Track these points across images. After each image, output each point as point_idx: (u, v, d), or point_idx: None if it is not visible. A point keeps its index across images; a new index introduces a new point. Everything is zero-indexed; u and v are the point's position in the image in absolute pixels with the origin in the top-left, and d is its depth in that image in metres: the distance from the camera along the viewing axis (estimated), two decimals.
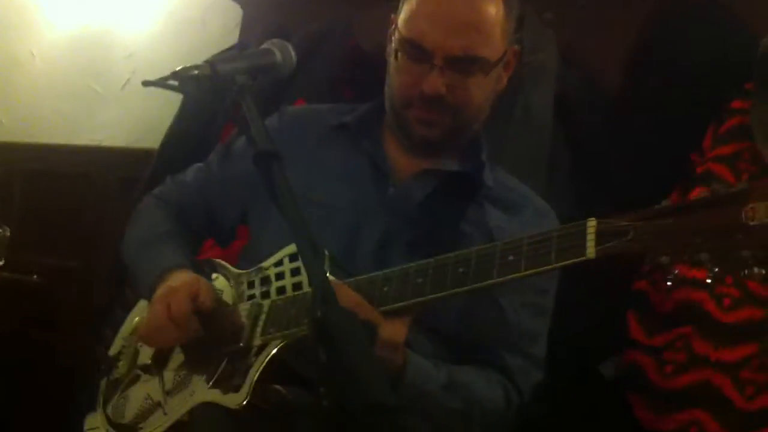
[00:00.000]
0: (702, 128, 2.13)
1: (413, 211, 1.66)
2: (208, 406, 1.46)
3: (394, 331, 1.37)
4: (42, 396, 2.99)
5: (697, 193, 1.96)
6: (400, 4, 1.68)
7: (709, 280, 1.19)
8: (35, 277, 3.25)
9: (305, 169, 1.71)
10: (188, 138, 2.78)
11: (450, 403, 1.51)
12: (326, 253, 1.42)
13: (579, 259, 1.22)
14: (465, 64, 1.60)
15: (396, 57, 1.65)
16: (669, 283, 1.22)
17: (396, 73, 1.67)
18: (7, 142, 3.74)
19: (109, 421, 1.65)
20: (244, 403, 1.37)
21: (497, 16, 1.61)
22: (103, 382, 1.74)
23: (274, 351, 1.41)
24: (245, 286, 1.60)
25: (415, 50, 1.61)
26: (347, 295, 1.34)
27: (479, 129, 1.75)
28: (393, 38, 1.67)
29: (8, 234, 2.92)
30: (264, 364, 1.40)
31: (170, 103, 2.96)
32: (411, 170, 1.70)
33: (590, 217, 1.26)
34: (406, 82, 1.64)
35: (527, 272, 1.28)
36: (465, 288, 1.33)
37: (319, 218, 1.63)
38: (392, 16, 1.70)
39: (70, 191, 3.47)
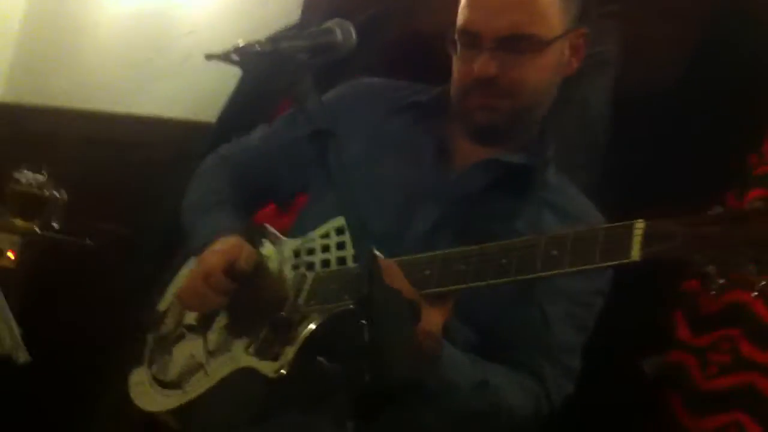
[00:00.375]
0: (762, 129, 2.09)
1: (470, 200, 1.65)
2: (245, 371, 1.48)
3: (432, 319, 1.36)
4: (86, 355, 3.05)
5: (755, 194, 1.97)
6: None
7: (756, 292, 1.15)
8: (88, 241, 3.31)
9: (371, 139, 1.73)
10: (245, 112, 2.81)
11: (476, 404, 1.49)
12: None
13: (623, 261, 1.20)
14: (514, 42, 1.58)
15: (456, 51, 1.65)
16: (713, 293, 1.19)
17: (455, 66, 1.68)
18: (68, 107, 3.81)
19: (154, 377, 1.69)
20: (283, 372, 1.39)
21: None
22: (151, 338, 1.77)
23: (313, 326, 1.42)
24: (292, 254, 1.61)
25: (467, 37, 1.62)
26: (395, 275, 1.34)
27: (545, 116, 1.72)
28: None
29: (65, 198, 2.99)
30: (304, 338, 1.41)
31: (228, 78, 2.99)
32: (474, 157, 1.69)
33: (641, 215, 1.24)
34: (463, 70, 1.65)
35: (570, 269, 1.25)
36: (506, 279, 1.31)
37: (376, 191, 1.65)
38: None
39: (127, 160, 3.53)
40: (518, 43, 1.59)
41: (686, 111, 2.28)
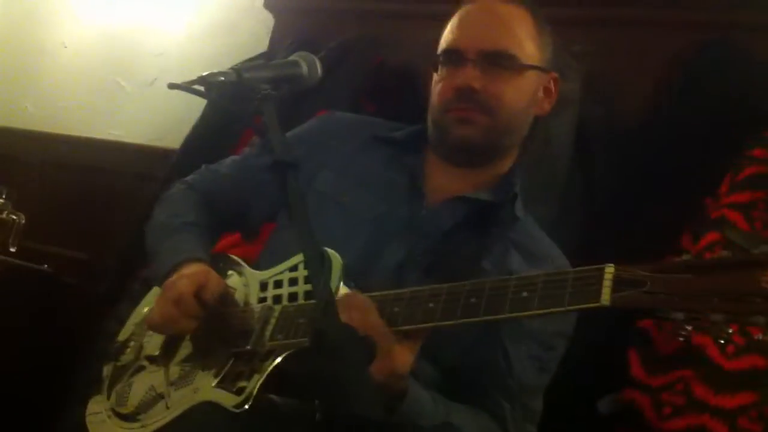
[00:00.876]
0: (719, 173, 2.12)
1: (439, 237, 1.66)
2: (207, 404, 1.46)
3: (400, 357, 1.35)
4: (43, 380, 3.00)
5: (710, 238, 1.99)
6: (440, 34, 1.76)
7: (722, 341, 1.17)
8: (45, 266, 3.27)
9: (343, 171, 1.74)
10: (209, 141, 2.81)
11: None
12: (340, 261, 1.42)
13: (592, 305, 1.20)
14: (495, 57, 1.66)
15: (437, 70, 1.71)
16: (681, 339, 1.20)
17: (436, 86, 1.72)
18: (30, 130, 3.78)
19: (112, 409, 1.66)
20: (246, 407, 1.37)
21: (527, 24, 1.70)
22: (109, 367, 1.74)
23: (279, 360, 1.41)
24: (258, 287, 1.61)
25: (451, 56, 1.69)
26: (368, 308, 1.34)
27: (514, 153, 1.77)
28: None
29: (23, 221, 2.95)
30: (268, 372, 1.40)
31: (193, 105, 2.98)
32: (445, 194, 1.71)
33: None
34: (445, 86, 1.70)
35: (539, 311, 1.25)
36: (475, 319, 1.31)
37: (346, 223, 1.66)
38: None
39: (87, 184, 3.50)
40: (500, 59, 1.66)
41: (646, 152, 2.31)
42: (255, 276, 1.64)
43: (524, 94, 1.70)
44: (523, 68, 1.67)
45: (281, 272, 1.58)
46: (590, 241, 2.20)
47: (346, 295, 1.38)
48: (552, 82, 1.76)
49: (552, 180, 2.29)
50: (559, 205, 2.28)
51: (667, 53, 2.43)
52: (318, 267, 1.14)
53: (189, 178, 1.93)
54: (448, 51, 1.70)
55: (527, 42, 1.69)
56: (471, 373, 1.60)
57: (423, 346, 1.49)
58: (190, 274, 1.58)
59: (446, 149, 1.72)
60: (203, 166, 1.95)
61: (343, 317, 1.19)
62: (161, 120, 3.46)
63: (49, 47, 3.90)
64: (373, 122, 1.90)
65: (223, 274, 1.67)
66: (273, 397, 1.18)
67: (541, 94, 1.74)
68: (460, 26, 1.72)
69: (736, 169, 2.10)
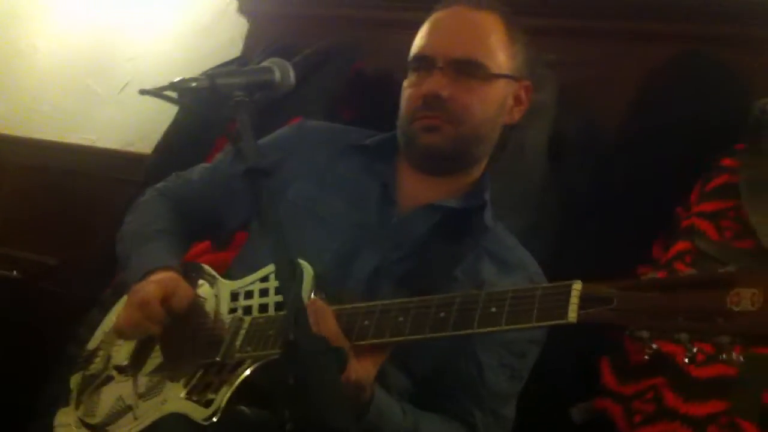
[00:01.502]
0: (689, 182, 2.14)
1: (411, 246, 1.66)
2: (176, 416, 1.45)
3: (365, 370, 1.36)
4: (13, 388, 2.96)
5: (680, 246, 2.01)
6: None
7: (686, 359, 1.18)
8: (15, 272, 3.24)
9: (316, 180, 1.73)
10: (182, 146, 2.79)
11: None
12: (311, 272, 1.42)
13: (559, 322, 1.21)
14: (464, 65, 1.64)
15: (406, 77, 1.71)
16: (647, 357, 1.21)
17: (405, 92, 1.72)
18: (1, 133, 3.74)
19: (80, 420, 1.64)
20: (214, 420, 1.36)
21: (499, 33, 1.69)
22: (77, 377, 1.73)
23: (247, 372, 1.40)
24: (229, 297, 1.60)
25: (420, 62, 1.68)
26: (327, 319, 1.34)
27: (484, 161, 1.77)
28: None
29: None
30: (236, 384, 1.39)
31: (167, 110, 2.96)
32: (417, 201, 1.71)
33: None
34: (413, 94, 1.69)
35: (507, 327, 1.27)
36: (443, 334, 1.31)
37: (318, 232, 1.65)
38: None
39: (58, 189, 3.47)
40: (469, 68, 1.65)
41: (619, 161, 2.33)
42: (226, 286, 1.63)
43: (492, 104, 1.69)
44: (493, 77, 1.67)
45: (252, 282, 1.58)
46: (564, 250, 2.21)
47: (309, 303, 1.37)
48: (523, 90, 1.75)
49: (527, 189, 2.30)
50: (534, 214, 2.29)
51: (641, 64, 2.46)
52: (289, 277, 1.13)
53: (160, 185, 1.91)
54: (417, 57, 1.70)
55: (498, 50, 1.68)
56: (443, 381, 1.60)
57: (395, 356, 1.49)
58: (159, 279, 1.57)
59: (414, 157, 1.72)
60: (174, 174, 1.94)
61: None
62: (134, 125, 3.44)
63: (22, 50, 3.86)
64: (345, 130, 1.89)
65: (194, 284, 1.66)
66: (243, 408, 1.18)
67: (510, 102, 1.73)
68: (431, 32, 1.71)
69: (705, 179, 2.12)
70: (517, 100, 1.74)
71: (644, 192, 2.22)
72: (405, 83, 1.73)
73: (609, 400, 2.00)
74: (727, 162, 2.10)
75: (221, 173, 1.85)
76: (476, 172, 1.76)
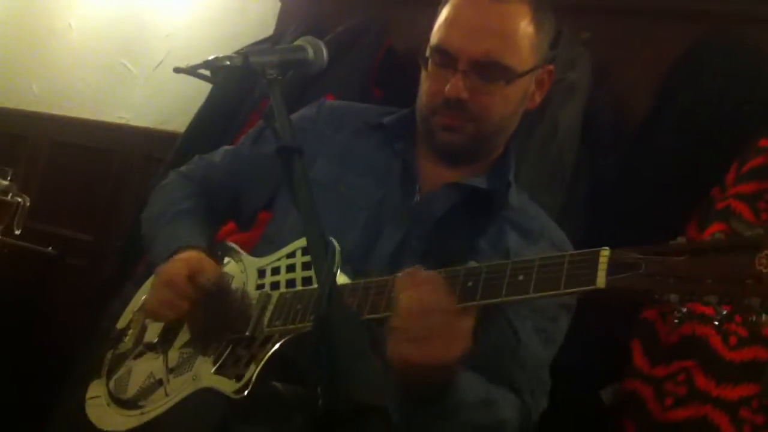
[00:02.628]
0: (725, 163, 2.12)
1: (434, 222, 1.65)
2: (207, 390, 1.47)
3: (463, 327, 1.32)
4: (44, 365, 3.02)
5: (715, 228, 1.99)
6: (435, 19, 1.70)
7: (716, 322, 1.17)
8: (50, 248, 3.28)
9: (337, 159, 1.72)
10: (214, 124, 2.81)
11: (483, 419, 1.48)
12: (338, 248, 1.41)
13: (588, 288, 1.20)
14: (487, 68, 1.59)
15: (426, 67, 1.67)
16: (676, 321, 1.20)
17: (425, 82, 1.68)
18: (37, 111, 3.78)
19: (110, 395, 1.66)
20: (245, 393, 1.37)
21: (526, 28, 1.61)
22: (109, 354, 1.74)
23: (276, 347, 1.41)
24: (256, 273, 1.61)
25: (441, 56, 1.63)
26: (438, 285, 1.31)
27: (507, 143, 1.74)
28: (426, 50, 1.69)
29: (28, 204, 2.96)
30: (266, 358, 1.40)
31: (200, 88, 2.98)
32: (438, 180, 1.70)
33: (604, 242, 1.25)
34: (433, 89, 1.65)
35: (535, 294, 1.26)
36: (471, 303, 1.31)
37: (342, 210, 1.64)
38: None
39: (93, 166, 3.52)
40: (491, 70, 1.60)
41: (654, 141, 2.31)
42: (253, 263, 1.64)
43: (514, 101, 1.66)
44: (516, 77, 1.62)
45: (279, 259, 1.58)
46: (596, 231, 2.20)
47: (409, 273, 1.35)
48: (546, 74, 1.71)
49: (559, 169, 2.29)
50: (566, 194, 2.27)
51: (675, 43, 2.42)
52: (322, 252, 1.13)
53: (183, 168, 1.93)
54: (438, 49, 1.63)
55: (524, 46, 1.62)
56: (483, 349, 1.60)
57: None
58: (183, 258, 1.58)
59: (433, 148, 1.70)
60: (196, 157, 1.95)
61: (410, 293, 1.22)
62: (168, 103, 3.46)
63: (56, 28, 3.90)
64: (364, 109, 1.88)
65: (221, 262, 1.67)
66: (276, 383, 1.18)
67: (532, 88, 1.69)
68: (453, 24, 1.63)
69: (742, 160, 2.10)
70: (539, 84, 1.70)
71: (678, 173, 2.20)
72: (425, 71, 1.68)
73: (639, 381, 1.99)
74: (764, 143, 2.07)
75: (244, 155, 1.86)
76: (497, 151, 1.75)
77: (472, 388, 1.45)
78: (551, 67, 1.71)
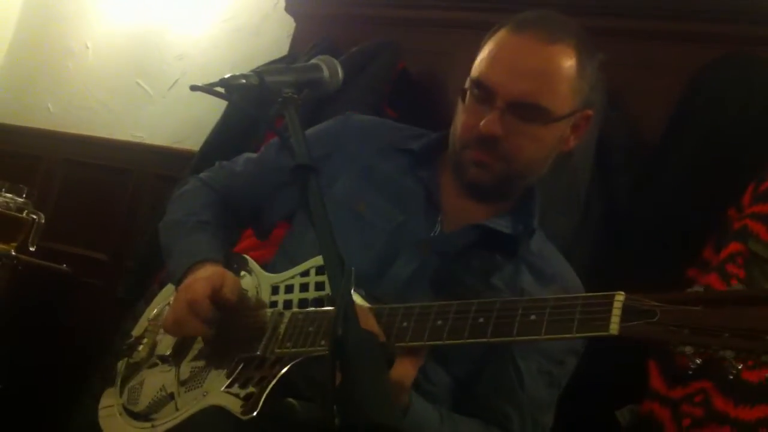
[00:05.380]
0: (742, 184, 2.11)
1: (452, 256, 1.64)
2: (216, 407, 1.46)
3: (404, 372, 1.34)
4: (57, 380, 3.02)
5: (732, 248, 1.98)
6: (478, 52, 1.67)
7: (731, 377, 1.14)
8: (65, 266, 3.29)
9: (360, 177, 1.71)
10: (229, 143, 2.81)
11: None
12: (351, 269, 1.40)
13: (600, 333, 1.17)
14: (525, 109, 1.57)
15: (464, 99, 1.65)
16: (690, 372, 1.18)
17: (461, 115, 1.66)
18: (53, 130, 3.81)
19: (123, 406, 1.65)
20: (253, 414, 1.36)
21: (568, 71, 1.59)
22: (123, 363, 1.74)
23: (284, 371, 1.40)
24: (270, 290, 1.60)
25: (480, 90, 1.60)
26: (368, 322, 1.32)
27: (534, 185, 1.72)
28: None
29: (43, 221, 2.97)
30: (274, 382, 1.38)
31: (214, 108, 3.00)
32: (461, 214, 1.68)
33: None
34: (469, 123, 1.62)
35: (546, 336, 1.23)
36: (482, 340, 1.29)
37: (360, 231, 1.64)
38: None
39: (108, 185, 3.53)
40: (528, 112, 1.57)
41: (668, 162, 2.30)
42: (267, 279, 1.63)
43: (548, 144, 1.64)
44: (553, 121, 1.59)
45: (293, 277, 1.57)
46: (611, 252, 2.19)
47: (357, 307, 1.36)
48: (583, 119, 1.67)
49: (574, 189, 2.28)
50: (581, 214, 2.26)
51: (688, 65, 2.42)
52: (338, 272, 1.13)
53: (203, 174, 1.91)
54: (479, 83, 1.61)
55: (564, 90, 1.59)
56: (482, 385, 1.59)
57: (437, 355, 1.49)
58: (206, 277, 1.56)
59: (461, 181, 1.68)
60: (217, 163, 1.93)
61: None
62: (183, 122, 3.48)
63: (73, 49, 3.93)
64: (391, 127, 1.86)
65: (237, 275, 1.66)
66: (292, 401, 1.18)
67: (568, 132, 1.66)
68: (496, 60, 1.60)
69: (758, 181, 2.08)
70: (575, 128, 1.67)
71: (694, 193, 2.19)
72: (462, 103, 1.65)
73: (656, 403, 1.97)
74: None
75: (266, 165, 1.84)
76: (521, 190, 1.73)
77: (430, 427, 1.45)
78: (590, 112, 1.67)
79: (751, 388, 1.84)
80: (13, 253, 2.99)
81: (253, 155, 1.91)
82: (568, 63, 1.58)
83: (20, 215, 2.97)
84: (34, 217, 2.97)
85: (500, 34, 1.63)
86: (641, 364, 2.04)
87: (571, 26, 1.64)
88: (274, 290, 1.59)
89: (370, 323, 1.32)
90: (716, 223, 2.12)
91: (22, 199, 3.00)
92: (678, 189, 2.23)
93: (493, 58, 1.61)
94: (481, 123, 1.57)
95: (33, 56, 4.06)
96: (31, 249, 2.98)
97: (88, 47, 3.90)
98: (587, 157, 2.34)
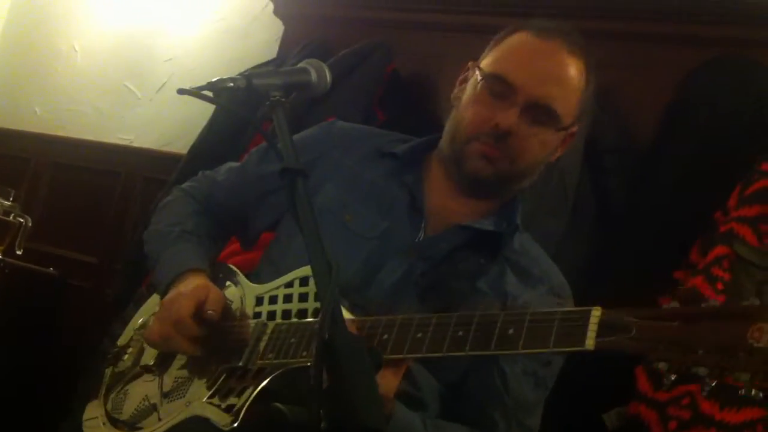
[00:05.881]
0: (728, 187, 2.12)
1: (438, 259, 1.65)
2: (199, 418, 1.45)
3: (386, 383, 1.34)
4: (49, 384, 3.01)
5: (719, 251, 1.99)
6: (486, 51, 1.70)
7: (705, 393, 1.15)
8: (52, 269, 3.28)
9: (344, 185, 1.72)
10: (217, 146, 2.81)
11: None
12: (339, 267, 1.40)
13: (577, 349, 1.18)
14: (542, 112, 1.61)
15: (475, 89, 1.65)
16: (664, 388, 1.19)
17: (471, 106, 1.66)
18: (40, 133, 3.79)
19: (107, 414, 1.65)
20: (234, 426, 1.36)
21: (579, 83, 1.64)
22: (108, 371, 1.73)
23: (265, 383, 1.39)
24: (254, 300, 1.60)
25: (501, 85, 1.62)
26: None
27: (523, 189, 1.74)
28: (468, 79, 1.70)
29: (30, 224, 2.96)
30: (255, 393, 1.38)
31: (202, 110, 3.00)
32: (446, 216, 1.69)
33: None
34: (482, 115, 1.63)
35: (523, 351, 1.24)
36: (460, 353, 1.29)
37: (345, 239, 1.64)
38: (470, 62, 1.71)
39: (96, 188, 3.52)
40: (543, 115, 1.61)
41: (656, 165, 2.31)
42: (251, 289, 1.63)
43: (548, 149, 1.68)
44: (561, 128, 1.64)
45: (277, 287, 1.57)
46: (600, 254, 2.20)
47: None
48: (571, 135, 1.71)
49: (561, 192, 2.29)
50: (570, 216, 2.27)
51: (678, 67, 2.43)
52: (326, 277, 1.13)
53: (186, 185, 1.91)
54: (500, 78, 1.62)
55: (574, 101, 1.64)
56: (468, 389, 1.59)
57: (425, 361, 1.49)
58: (190, 292, 1.56)
59: (456, 175, 1.68)
60: (200, 173, 1.94)
61: None
62: (171, 125, 3.47)
63: (61, 51, 3.92)
64: (375, 133, 1.87)
65: (222, 285, 1.66)
66: (279, 405, 1.17)
67: (558, 144, 1.70)
68: (520, 59, 1.64)
69: (745, 183, 2.10)
70: (563, 142, 1.71)
71: (681, 196, 2.20)
72: (472, 94, 1.66)
73: (643, 405, 1.98)
74: (766, 167, 2.07)
75: (249, 174, 1.84)
76: (512, 193, 1.75)
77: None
78: (576, 128, 1.72)
79: (736, 391, 1.84)
80: (0, 257, 2.98)
81: (236, 164, 1.91)
82: (581, 75, 1.65)
83: (7, 218, 2.96)
84: (21, 220, 2.97)
85: (522, 36, 1.67)
86: (628, 367, 2.05)
87: (582, 41, 1.68)
88: (259, 301, 1.59)
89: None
90: (703, 225, 2.13)
91: (9, 203, 2.99)
92: (668, 190, 2.24)
93: (516, 56, 1.65)
94: (499, 117, 1.60)
95: (20, 58, 4.05)
96: (18, 252, 2.97)
97: (76, 49, 3.89)
98: (575, 160, 2.34)
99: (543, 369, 1.62)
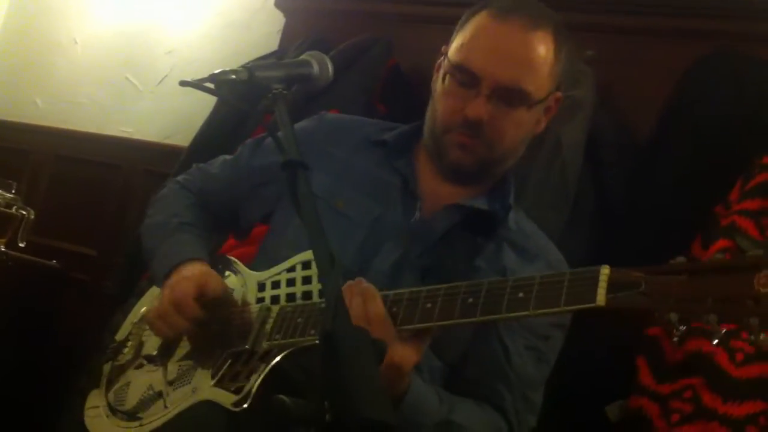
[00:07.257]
0: (729, 181, 2.12)
1: (434, 240, 1.66)
2: (206, 403, 1.46)
3: (406, 355, 1.36)
4: (49, 376, 3.01)
5: (720, 245, 1.99)
6: (453, 35, 1.70)
7: (716, 341, 1.17)
8: (54, 262, 3.28)
9: (336, 174, 1.72)
10: (219, 139, 2.81)
11: None
12: (341, 263, 1.41)
13: (588, 306, 1.20)
14: (510, 95, 1.60)
15: (444, 82, 1.66)
16: (675, 339, 1.20)
17: (442, 98, 1.67)
18: (41, 125, 3.79)
19: (110, 406, 1.66)
20: (245, 406, 1.37)
21: (547, 56, 1.62)
22: (108, 366, 1.74)
23: (277, 360, 1.41)
24: (256, 287, 1.61)
25: (465, 75, 1.62)
26: (377, 302, 1.36)
27: (512, 167, 1.75)
28: (441, 66, 1.69)
29: (32, 217, 2.96)
30: (266, 372, 1.40)
31: (203, 103, 2.99)
32: (439, 199, 1.70)
33: (609, 258, 1.25)
34: (452, 107, 1.64)
35: (535, 312, 1.26)
36: (472, 319, 1.32)
37: (340, 227, 1.64)
38: (443, 47, 1.71)
39: (97, 180, 3.52)
40: (512, 97, 1.61)
41: (657, 158, 2.31)
42: (252, 277, 1.64)
43: (527, 127, 1.67)
44: (534, 104, 1.63)
45: (279, 273, 1.58)
46: (600, 249, 2.20)
47: (350, 282, 1.38)
48: (554, 101, 1.71)
49: (563, 185, 2.29)
50: (571, 210, 2.27)
51: (679, 62, 2.43)
52: (328, 266, 1.13)
53: (180, 177, 1.92)
54: (462, 68, 1.62)
55: (544, 73, 1.63)
56: (471, 366, 1.61)
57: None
58: (191, 276, 1.58)
59: (440, 165, 1.70)
60: (194, 166, 1.95)
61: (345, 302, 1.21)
62: (172, 117, 3.47)
63: (62, 43, 3.91)
64: (364, 123, 1.88)
65: (221, 275, 1.67)
66: (282, 396, 1.17)
67: (541, 114, 1.70)
68: (480, 45, 1.62)
69: (746, 177, 2.10)
70: (547, 110, 1.71)
71: (683, 190, 2.20)
72: (441, 86, 1.67)
73: (645, 398, 1.98)
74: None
75: (241, 167, 1.86)
76: (500, 174, 1.75)
77: (429, 409, 1.46)
78: (559, 94, 1.71)
79: (740, 384, 1.85)
80: (2, 249, 2.99)
81: (229, 157, 1.92)
82: (548, 48, 1.63)
83: (9, 211, 2.96)
84: (24, 212, 2.97)
85: (480, 19, 1.65)
86: (630, 360, 2.05)
87: (547, 11, 1.67)
88: (261, 287, 1.60)
89: (378, 305, 1.36)
90: (704, 219, 2.13)
91: (11, 195, 2.99)
92: (668, 185, 2.24)
93: (476, 44, 1.63)
94: (467, 108, 1.60)
95: (21, 51, 4.05)
96: (21, 245, 2.97)
97: (76, 42, 3.88)
98: (577, 153, 2.34)
99: (544, 344, 1.64)
